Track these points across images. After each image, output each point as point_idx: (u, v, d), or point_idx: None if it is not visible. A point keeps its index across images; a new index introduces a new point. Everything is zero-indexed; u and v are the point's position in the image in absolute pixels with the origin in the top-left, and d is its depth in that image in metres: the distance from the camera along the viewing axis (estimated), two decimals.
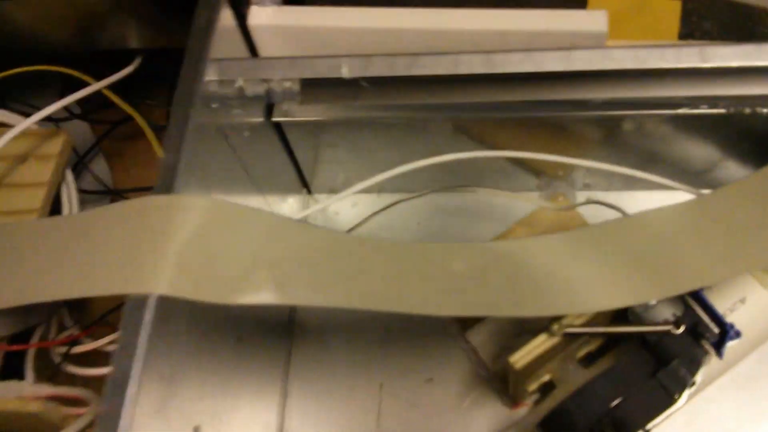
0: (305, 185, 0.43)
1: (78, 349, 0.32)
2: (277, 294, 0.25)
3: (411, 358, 0.38)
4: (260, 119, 0.34)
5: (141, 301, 0.23)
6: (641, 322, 0.29)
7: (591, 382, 0.29)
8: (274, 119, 0.34)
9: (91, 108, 0.43)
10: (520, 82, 0.28)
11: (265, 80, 0.31)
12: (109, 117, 0.43)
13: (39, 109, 0.40)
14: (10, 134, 0.32)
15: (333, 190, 0.43)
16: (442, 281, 0.27)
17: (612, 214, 0.38)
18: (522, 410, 0.36)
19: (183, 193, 0.25)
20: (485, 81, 0.28)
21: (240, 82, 0.31)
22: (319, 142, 0.38)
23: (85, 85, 0.38)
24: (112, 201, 0.41)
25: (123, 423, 0.22)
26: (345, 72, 0.28)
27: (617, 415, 0.28)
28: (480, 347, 0.37)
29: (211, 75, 0.28)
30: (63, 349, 0.32)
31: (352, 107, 0.33)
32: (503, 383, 0.36)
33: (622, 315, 0.31)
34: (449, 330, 0.38)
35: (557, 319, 0.30)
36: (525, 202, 0.40)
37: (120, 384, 0.22)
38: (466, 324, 0.38)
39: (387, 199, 0.40)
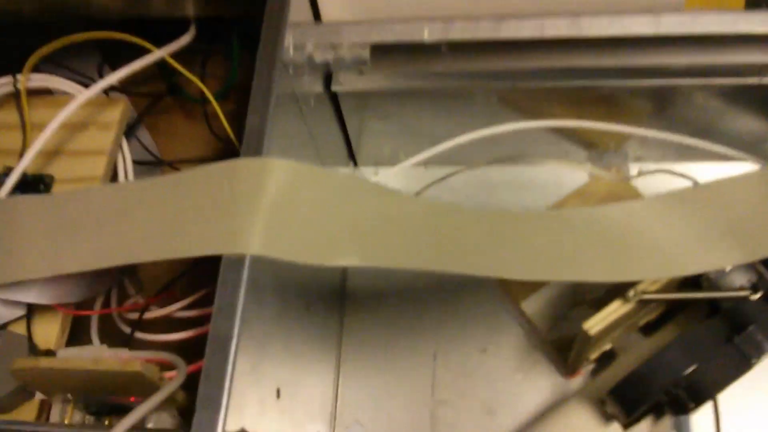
0: (352, 157, 0.42)
1: (147, 316, 0.31)
2: (362, 256, 0.25)
3: (464, 328, 0.38)
4: (320, 89, 0.34)
5: (237, 261, 0.23)
6: (716, 289, 0.29)
7: (665, 350, 0.29)
8: (333, 89, 0.34)
9: (129, 81, 0.43)
10: (602, 48, 0.28)
11: (334, 46, 0.31)
12: (142, 90, 0.43)
13: (82, 75, 0.40)
14: (76, 103, 0.31)
15: (378, 163, 0.43)
16: (527, 246, 0.27)
17: (664, 186, 0.38)
18: (577, 380, 0.36)
19: (269, 157, 0.25)
20: (568, 46, 0.28)
21: (309, 49, 0.31)
22: (371, 114, 0.38)
23: (138, 52, 0.37)
24: (163, 172, 0.41)
25: (226, 379, 0.22)
26: (426, 35, 0.28)
27: (692, 382, 0.28)
28: (535, 317, 0.37)
29: (288, 40, 0.28)
30: (128, 317, 0.32)
31: (413, 76, 0.33)
32: (560, 352, 0.36)
33: (690, 282, 0.31)
34: (503, 300, 0.38)
35: (631, 285, 0.30)
36: (580, 171, 0.40)
37: (222, 341, 0.22)
38: (520, 294, 0.38)
39: (435, 171, 0.40)
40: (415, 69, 0.31)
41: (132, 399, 0.25)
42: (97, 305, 0.33)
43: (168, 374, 0.25)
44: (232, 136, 0.33)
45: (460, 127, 0.36)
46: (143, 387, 0.23)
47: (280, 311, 0.27)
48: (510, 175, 0.41)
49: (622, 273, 0.28)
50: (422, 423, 0.36)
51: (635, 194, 0.39)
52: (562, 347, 0.36)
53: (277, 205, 0.24)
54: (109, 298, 0.33)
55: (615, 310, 0.30)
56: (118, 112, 0.34)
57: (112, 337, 0.32)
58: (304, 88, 0.31)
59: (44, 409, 0.29)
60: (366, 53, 0.31)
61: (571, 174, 0.40)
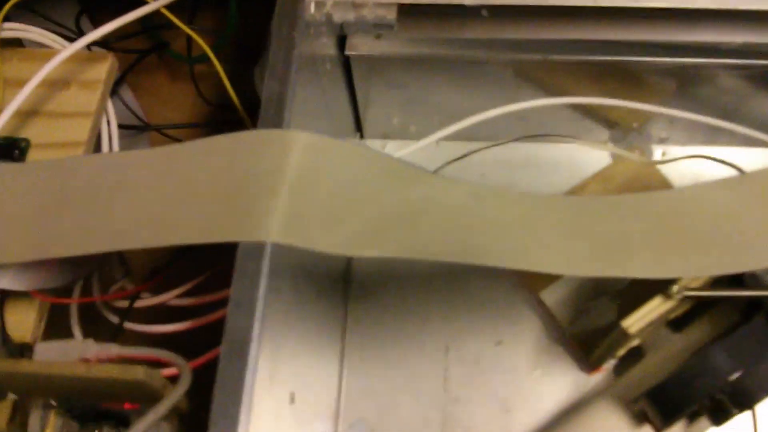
0: (359, 129, 0.39)
1: (137, 305, 0.28)
2: (399, 246, 0.22)
3: (479, 319, 0.35)
4: (335, 51, 0.30)
5: (257, 249, 0.20)
6: (761, 285, 0.27)
7: (709, 352, 0.27)
8: (347, 53, 0.31)
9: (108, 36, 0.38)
10: (650, 21, 0.25)
11: (357, 5, 0.27)
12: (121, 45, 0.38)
13: (59, 26, 0.35)
14: (60, 57, 0.27)
15: (386, 136, 0.40)
16: (582, 237, 0.24)
17: (690, 170, 0.36)
18: (599, 376, 0.34)
19: (291, 128, 0.22)
20: (615, 16, 0.25)
21: (328, 7, 0.27)
22: (384, 83, 0.35)
23: (120, 3, 0.33)
24: (150, 137, 0.37)
25: (245, 388, 0.18)
26: None
27: (737, 387, 0.26)
28: (555, 309, 0.35)
29: None
30: (115, 305, 0.29)
31: (438, 44, 0.30)
32: (581, 346, 0.34)
33: (728, 277, 0.29)
34: (520, 289, 0.36)
35: (673, 281, 0.28)
36: (602, 151, 0.37)
37: (241, 343, 0.19)
38: (539, 284, 0.35)
39: (447, 147, 0.37)
40: (444, 35, 0.28)
41: (125, 406, 0.22)
42: (77, 291, 0.29)
43: (164, 372, 0.22)
44: (234, 99, 0.29)
45: (478, 103, 0.33)
46: (142, 394, 0.20)
47: (294, 303, 0.24)
48: (528, 153, 0.38)
49: (677, 268, 0.25)
50: (433, 421, 0.33)
51: (661, 178, 0.37)
52: (583, 341, 0.34)
53: (302, 185, 0.21)
54: (90, 283, 0.30)
55: (656, 307, 0.28)
56: (104, 70, 0.30)
57: (96, 327, 0.29)
58: (322, 50, 0.27)
59: (19, 410, 0.25)
60: (391, 15, 0.27)
61: (592, 154, 0.38)
